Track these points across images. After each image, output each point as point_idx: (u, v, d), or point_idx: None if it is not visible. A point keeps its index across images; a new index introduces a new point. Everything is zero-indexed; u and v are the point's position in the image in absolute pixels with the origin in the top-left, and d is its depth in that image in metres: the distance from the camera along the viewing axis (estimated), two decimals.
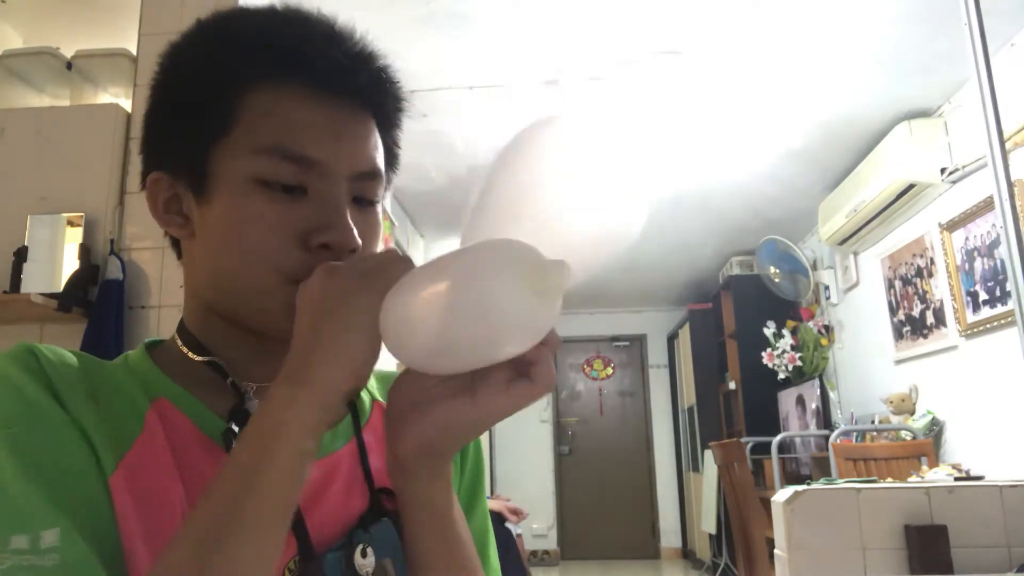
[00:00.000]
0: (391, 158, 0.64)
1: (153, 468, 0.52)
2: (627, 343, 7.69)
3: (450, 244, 5.41)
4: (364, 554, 0.56)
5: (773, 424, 5.13)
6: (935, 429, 3.59)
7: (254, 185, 0.55)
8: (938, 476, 2.61)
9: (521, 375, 0.48)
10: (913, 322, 3.89)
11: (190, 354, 0.60)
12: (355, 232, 0.56)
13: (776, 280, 5.19)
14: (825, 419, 4.47)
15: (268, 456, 0.45)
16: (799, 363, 4.99)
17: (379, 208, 0.62)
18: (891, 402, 3.84)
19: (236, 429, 0.55)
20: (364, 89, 0.58)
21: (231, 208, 0.55)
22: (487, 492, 0.74)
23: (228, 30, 0.59)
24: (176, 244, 0.63)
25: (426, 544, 0.54)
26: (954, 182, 3.42)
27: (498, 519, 3.79)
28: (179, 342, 0.61)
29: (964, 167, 3.31)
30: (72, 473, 0.49)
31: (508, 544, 3.71)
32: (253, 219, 0.54)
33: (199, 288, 0.60)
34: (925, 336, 3.77)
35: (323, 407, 0.47)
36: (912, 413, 3.78)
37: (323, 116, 0.56)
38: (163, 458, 0.53)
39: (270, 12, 0.59)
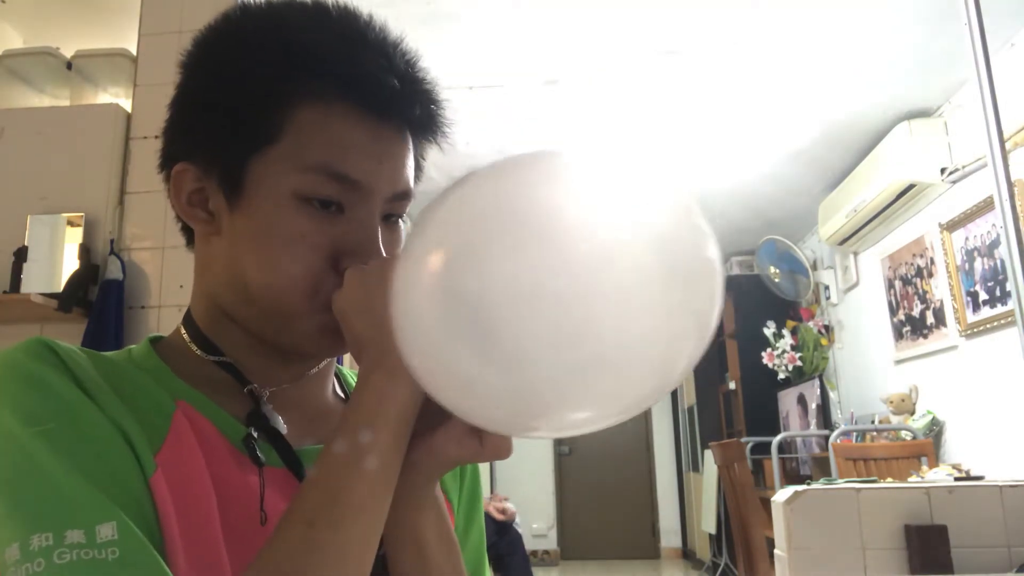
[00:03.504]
0: (418, 172, 0.63)
1: (186, 469, 0.51)
2: None
3: None
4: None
5: (773, 424, 5.13)
6: (935, 429, 3.59)
7: (295, 201, 0.54)
8: (938, 476, 2.61)
9: (475, 433, 0.49)
10: (913, 322, 3.88)
11: (202, 354, 0.59)
12: (384, 256, 0.56)
13: (776, 280, 5.19)
14: (825, 419, 4.47)
15: (369, 445, 0.47)
16: (799, 363, 4.99)
17: (403, 224, 0.62)
18: (891, 402, 3.84)
19: (255, 435, 0.55)
20: (411, 116, 0.58)
21: (269, 222, 0.54)
22: (487, 492, 0.75)
23: (280, 35, 0.56)
24: (187, 233, 0.61)
25: (403, 570, 0.53)
26: (954, 182, 3.42)
27: (509, 522, 3.80)
28: (187, 339, 0.60)
29: (964, 167, 3.31)
30: (115, 468, 0.48)
31: (515, 546, 3.72)
32: (292, 238, 0.54)
33: (217, 289, 0.58)
34: (925, 336, 3.77)
35: (414, 391, 0.48)
36: (912, 413, 3.78)
37: (369, 137, 0.56)
38: (195, 460, 0.52)
39: (321, 15, 0.57)
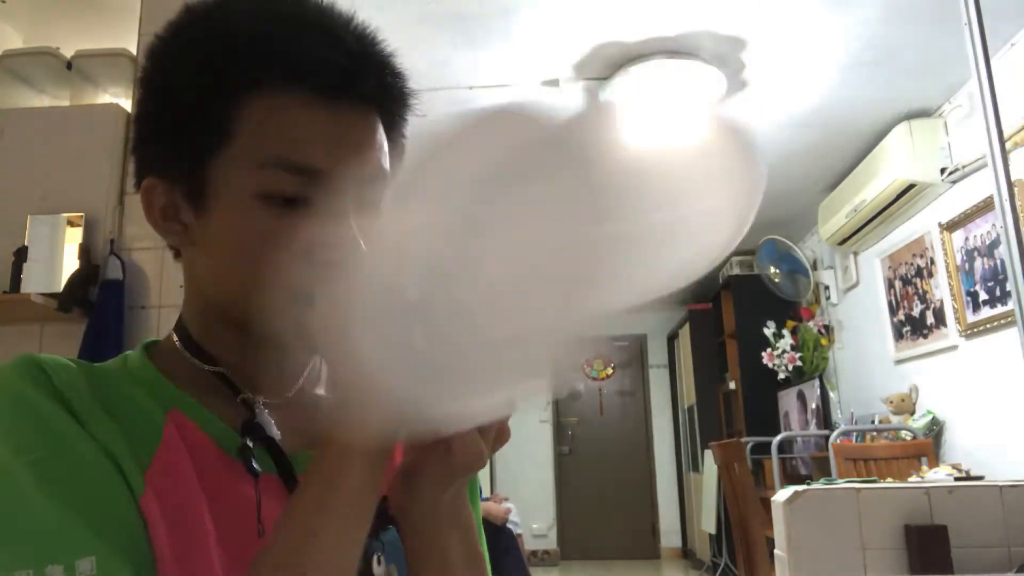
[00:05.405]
0: (395, 152, 0.61)
1: (178, 485, 0.50)
2: (627, 343, 7.69)
3: None
4: (379, 562, 0.56)
5: (773, 424, 5.13)
6: (935, 429, 3.59)
7: (256, 200, 0.53)
8: (938, 476, 2.61)
9: (445, 446, 0.48)
10: (913, 322, 3.88)
11: (197, 362, 0.58)
12: (361, 244, 0.54)
13: (776, 280, 5.19)
14: (825, 419, 4.47)
15: (330, 508, 0.46)
16: (799, 363, 4.99)
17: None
18: (891, 402, 3.84)
19: (251, 445, 0.54)
20: (368, 93, 0.56)
21: (233, 225, 0.53)
22: (487, 492, 0.74)
23: (220, 31, 0.55)
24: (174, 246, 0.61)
25: (417, 555, 0.54)
26: (954, 182, 3.42)
27: (503, 522, 3.81)
28: (179, 346, 0.59)
29: (964, 167, 3.31)
30: (103, 497, 0.47)
31: (509, 545, 3.72)
32: (257, 238, 0.53)
33: (209, 295, 0.58)
34: (925, 336, 3.77)
35: (378, 451, 0.47)
36: (912, 413, 3.78)
37: (324, 123, 0.54)
38: (186, 474, 0.51)
39: (263, 5, 0.55)
